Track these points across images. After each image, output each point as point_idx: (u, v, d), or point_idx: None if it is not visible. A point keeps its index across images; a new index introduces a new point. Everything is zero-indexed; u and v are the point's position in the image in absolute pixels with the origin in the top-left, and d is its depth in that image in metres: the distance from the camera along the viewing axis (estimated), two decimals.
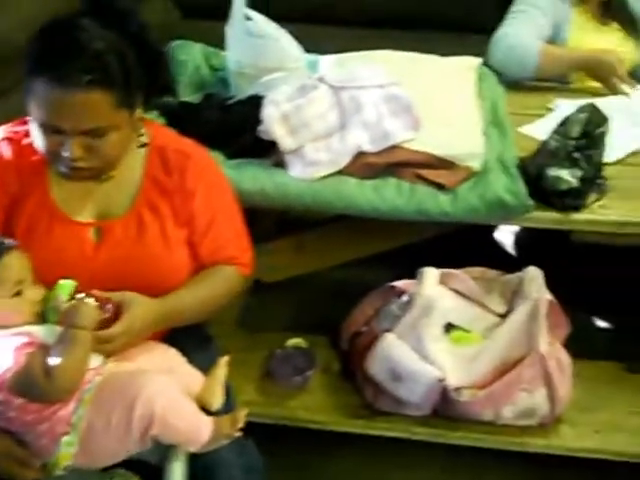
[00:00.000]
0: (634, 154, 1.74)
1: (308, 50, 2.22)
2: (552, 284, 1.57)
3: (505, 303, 1.53)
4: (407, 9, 3.25)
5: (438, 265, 1.63)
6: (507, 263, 1.70)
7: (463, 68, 2.01)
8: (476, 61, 2.06)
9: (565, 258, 1.85)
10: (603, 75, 1.98)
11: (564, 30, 2.11)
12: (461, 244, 1.90)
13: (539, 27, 2.06)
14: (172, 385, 1.06)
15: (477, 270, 1.62)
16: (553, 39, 2.11)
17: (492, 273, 1.61)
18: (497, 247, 2.33)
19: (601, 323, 2.03)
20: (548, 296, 1.48)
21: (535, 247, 2.07)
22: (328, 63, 2.04)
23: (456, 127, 1.67)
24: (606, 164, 1.63)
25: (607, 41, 2.17)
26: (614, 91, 1.96)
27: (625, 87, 1.95)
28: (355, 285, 1.81)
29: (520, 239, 2.20)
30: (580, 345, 1.65)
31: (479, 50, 2.24)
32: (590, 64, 2.00)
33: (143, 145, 1.27)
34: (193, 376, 1.19)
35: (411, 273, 1.63)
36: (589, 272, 1.94)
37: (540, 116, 1.90)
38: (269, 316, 1.94)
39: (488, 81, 2.01)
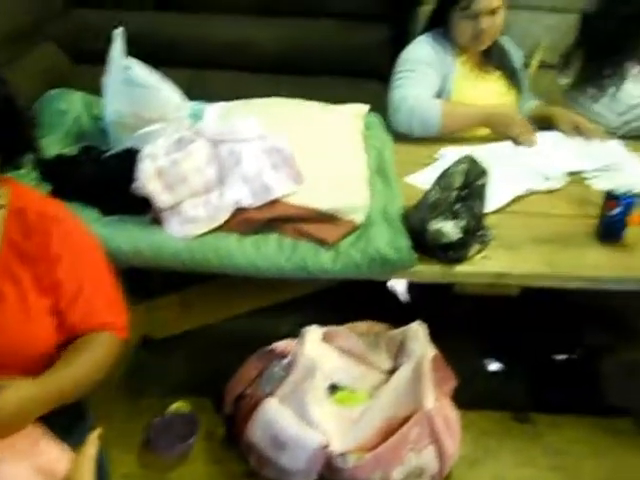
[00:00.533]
0: (517, 201, 1.77)
1: (200, 96, 2.19)
2: (440, 333, 1.56)
3: (391, 359, 1.50)
4: (302, 54, 3.28)
5: (337, 311, 1.59)
6: (403, 310, 1.69)
7: (351, 116, 2.01)
8: (364, 109, 2.06)
9: (450, 307, 1.84)
10: (504, 129, 2.03)
11: (449, 81, 2.14)
12: (361, 291, 1.87)
13: (432, 84, 2.10)
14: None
15: (364, 324, 1.59)
16: (439, 91, 2.14)
17: (379, 327, 1.58)
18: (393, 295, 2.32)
19: (489, 371, 2.04)
20: (432, 352, 1.45)
21: (424, 295, 2.07)
22: (214, 111, 1.99)
23: (340, 179, 1.64)
24: (489, 213, 1.65)
25: (489, 90, 2.22)
26: (519, 142, 2.00)
27: (529, 136, 2.00)
28: (252, 336, 1.75)
29: (411, 287, 2.19)
30: (469, 395, 1.64)
31: (372, 95, 2.26)
32: (491, 119, 2.04)
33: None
34: (60, 456, 1.09)
35: (315, 320, 1.59)
36: (474, 320, 1.95)
37: (426, 165, 1.91)
38: (154, 377, 1.84)
39: (375, 129, 2.02)
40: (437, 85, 2.11)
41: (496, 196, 1.70)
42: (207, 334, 1.97)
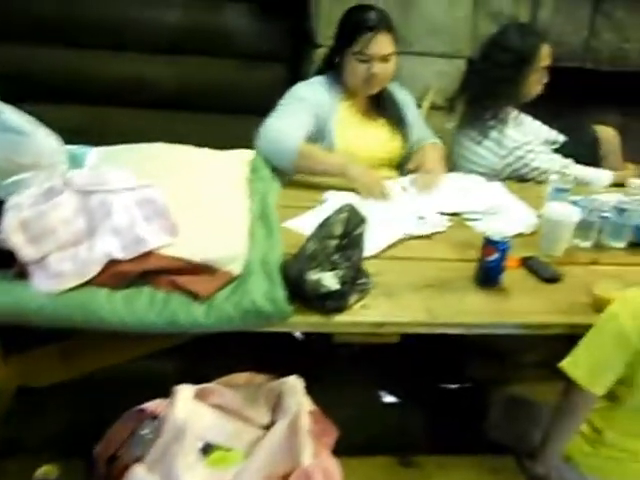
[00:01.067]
0: (399, 246, 1.78)
1: (99, 133, 2.13)
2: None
3: (270, 413, 1.46)
4: (201, 92, 3.27)
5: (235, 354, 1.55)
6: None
7: (236, 162, 1.99)
8: (250, 153, 2.04)
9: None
10: (356, 184, 2.01)
11: (330, 124, 2.16)
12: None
13: (302, 121, 2.10)
14: None
15: (245, 375, 1.55)
16: (320, 132, 2.15)
17: (260, 378, 1.54)
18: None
19: (383, 404, 2.04)
20: (308, 406, 1.42)
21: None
22: (96, 156, 1.93)
23: (219, 228, 1.61)
24: (370, 259, 1.65)
25: (372, 136, 2.25)
26: (367, 197, 1.99)
27: (379, 194, 2.00)
28: (135, 381, 1.68)
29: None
30: (355, 440, 1.62)
31: None
32: (346, 172, 2.02)
33: None
34: None
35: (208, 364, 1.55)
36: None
37: (310, 208, 1.90)
38: (28, 434, 1.74)
39: (261, 173, 2.01)
40: (310, 125, 2.12)
41: (374, 241, 1.70)
42: (90, 383, 1.88)
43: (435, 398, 2.33)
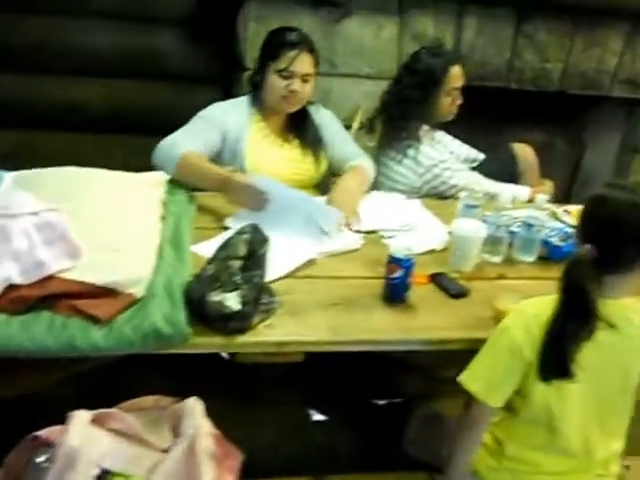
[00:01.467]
0: (311, 264, 1.80)
1: (29, 158, 2.10)
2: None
3: (171, 436, 1.44)
4: (135, 115, 3.26)
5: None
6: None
7: (151, 184, 1.98)
8: (163, 176, 2.04)
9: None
10: (235, 197, 1.99)
11: (241, 144, 2.18)
12: None
13: (205, 140, 2.14)
14: None
15: (151, 399, 1.53)
16: (232, 153, 2.18)
17: (166, 401, 1.52)
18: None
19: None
20: (209, 428, 1.41)
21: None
22: (10, 181, 1.91)
23: (125, 251, 1.60)
24: (280, 279, 1.66)
25: (283, 157, 2.29)
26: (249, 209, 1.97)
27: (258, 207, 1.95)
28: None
29: None
30: (278, 460, 1.61)
31: None
32: (226, 186, 1.99)
33: None
34: None
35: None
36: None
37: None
38: None
39: (177, 195, 2.01)
40: (211, 143, 2.16)
41: (284, 262, 1.72)
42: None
43: (364, 414, 2.35)
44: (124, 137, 3.32)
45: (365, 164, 2.31)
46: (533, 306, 1.42)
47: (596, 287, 1.32)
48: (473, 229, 1.82)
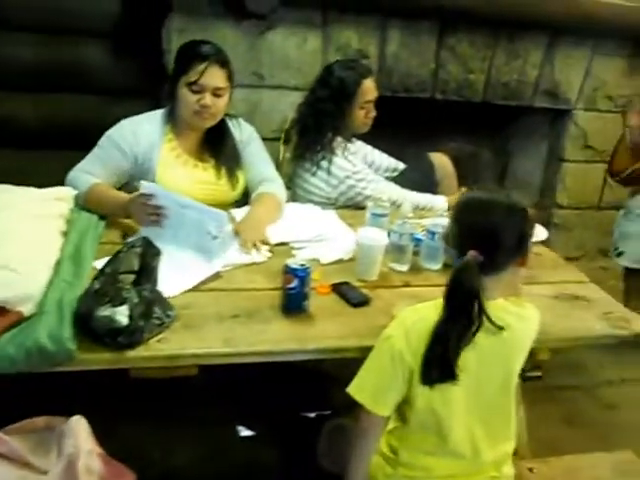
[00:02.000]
0: (216, 277, 1.81)
1: None
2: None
3: (55, 457, 1.42)
4: (65, 130, 3.23)
5: None
6: None
7: (57, 199, 1.96)
8: (70, 191, 2.03)
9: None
10: (134, 217, 2.00)
11: (152, 163, 2.17)
12: None
13: (111, 166, 2.16)
14: None
15: (42, 420, 1.51)
16: (143, 173, 2.16)
17: (57, 421, 1.50)
18: None
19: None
20: (91, 448, 1.39)
21: None
22: None
23: (14, 268, 1.57)
24: (185, 292, 1.67)
25: (196, 177, 2.25)
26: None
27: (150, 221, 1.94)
28: None
29: None
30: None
31: None
32: (126, 209, 1.99)
33: None
34: None
35: None
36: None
37: None
38: None
39: (83, 210, 1.99)
40: (123, 168, 2.16)
41: (184, 278, 1.72)
42: None
43: (293, 428, 2.35)
44: (58, 152, 3.28)
45: (277, 191, 2.29)
46: (412, 313, 1.44)
47: (481, 290, 1.35)
48: (375, 237, 1.84)
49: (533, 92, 3.33)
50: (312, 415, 2.49)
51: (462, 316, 1.36)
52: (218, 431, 2.38)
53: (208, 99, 2.14)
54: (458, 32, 3.13)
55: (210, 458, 2.25)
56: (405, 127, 3.25)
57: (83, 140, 3.29)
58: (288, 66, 3.04)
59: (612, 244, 3.11)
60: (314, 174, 2.40)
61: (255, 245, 1.96)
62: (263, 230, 2.06)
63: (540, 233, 2.27)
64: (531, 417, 2.44)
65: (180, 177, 2.21)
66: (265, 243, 2.00)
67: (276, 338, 1.59)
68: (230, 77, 2.21)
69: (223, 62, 2.17)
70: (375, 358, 1.44)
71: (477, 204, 1.41)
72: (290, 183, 2.49)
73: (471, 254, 1.37)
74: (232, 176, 2.28)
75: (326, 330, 1.62)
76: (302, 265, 1.63)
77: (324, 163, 2.37)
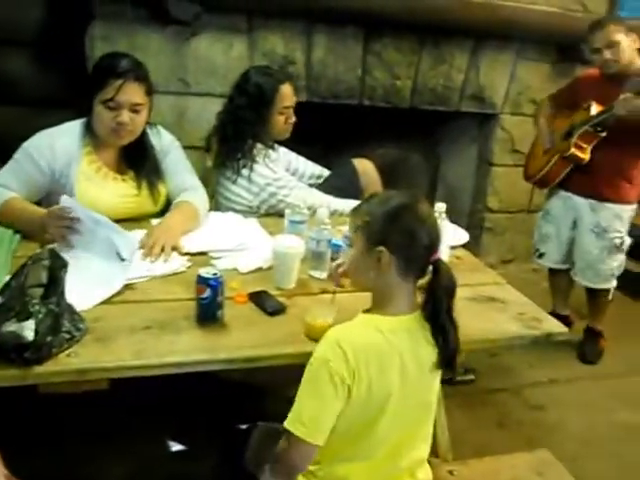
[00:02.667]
0: (131, 289, 1.78)
1: None
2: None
3: None
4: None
5: None
6: None
7: None
8: None
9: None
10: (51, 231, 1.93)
11: (71, 178, 2.11)
12: None
13: (28, 181, 2.09)
14: None
15: None
16: (61, 187, 2.10)
17: None
18: None
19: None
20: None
21: None
22: None
23: None
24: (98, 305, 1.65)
25: (116, 191, 2.20)
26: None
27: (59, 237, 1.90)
28: None
29: None
30: None
31: None
32: (41, 225, 1.93)
33: None
34: None
35: None
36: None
37: None
38: None
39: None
40: (39, 183, 2.10)
41: (96, 291, 1.70)
42: None
43: (225, 440, 2.33)
44: None
45: (196, 200, 2.24)
46: (346, 334, 1.40)
47: None
48: (291, 245, 1.84)
49: (460, 97, 3.40)
50: (244, 427, 2.48)
51: None
52: (148, 446, 2.35)
53: (125, 116, 2.06)
54: (384, 38, 3.17)
55: (140, 474, 2.22)
56: (334, 134, 3.27)
57: (6, 153, 3.23)
58: (214, 73, 3.04)
59: (533, 246, 3.19)
60: (235, 182, 2.39)
61: (163, 249, 1.93)
62: (175, 236, 2.02)
63: (461, 236, 2.31)
64: (463, 421, 2.50)
65: (100, 190, 2.15)
66: (176, 250, 1.97)
67: (187, 349, 1.57)
68: (149, 91, 2.14)
69: (141, 77, 2.09)
70: (312, 385, 1.37)
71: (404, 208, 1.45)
72: (213, 192, 2.47)
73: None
74: (153, 189, 2.24)
75: (239, 339, 1.62)
76: (214, 274, 1.62)
77: (245, 171, 2.37)
